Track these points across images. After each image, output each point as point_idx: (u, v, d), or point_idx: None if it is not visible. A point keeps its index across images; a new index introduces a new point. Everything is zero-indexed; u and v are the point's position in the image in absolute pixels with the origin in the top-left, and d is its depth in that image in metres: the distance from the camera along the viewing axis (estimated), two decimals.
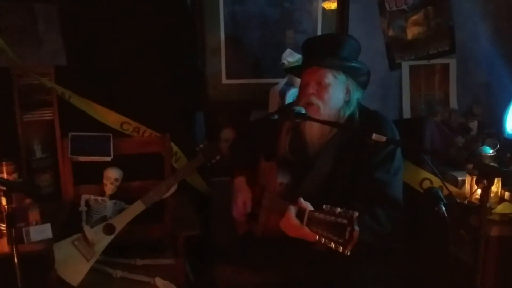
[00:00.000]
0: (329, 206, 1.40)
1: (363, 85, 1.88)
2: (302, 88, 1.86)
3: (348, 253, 1.30)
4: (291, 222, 1.52)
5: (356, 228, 1.29)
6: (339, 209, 1.36)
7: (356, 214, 1.31)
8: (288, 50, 2.46)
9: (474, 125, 2.51)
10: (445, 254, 2.07)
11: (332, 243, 1.33)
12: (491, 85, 2.76)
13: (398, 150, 1.78)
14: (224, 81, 2.69)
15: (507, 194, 1.94)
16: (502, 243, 1.84)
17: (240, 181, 1.98)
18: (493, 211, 1.86)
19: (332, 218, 1.36)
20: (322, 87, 1.78)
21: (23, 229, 1.86)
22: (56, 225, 1.99)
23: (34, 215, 1.92)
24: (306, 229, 1.47)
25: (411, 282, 2.03)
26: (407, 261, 1.98)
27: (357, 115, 1.81)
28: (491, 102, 2.70)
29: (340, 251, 1.31)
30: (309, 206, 1.52)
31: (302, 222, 1.49)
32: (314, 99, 1.78)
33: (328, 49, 1.82)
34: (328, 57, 1.80)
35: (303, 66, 1.90)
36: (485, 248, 1.65)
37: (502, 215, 1.86)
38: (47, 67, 2.41)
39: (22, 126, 2.39)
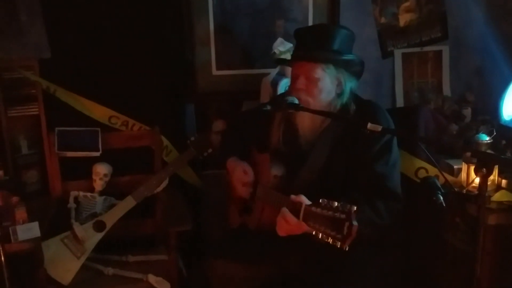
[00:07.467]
0: (326, 200, 1.36)
1: (357, 75, 1.83)
2: (292, 80, 1.81)
3: (347, 248, 1.26)
4: (288, 220, 1.49)
5: (355, 223, 1.26)
6: (336, 203, 1.32)
7: (354, 208, 1.27)
8: (279, 39, 2.41)
9: (467, 112, 2.48)
10: (441, 242, 2.06)
11: (330, 238, 1.30)
12: (483, 71, 2.74)
13: (395, 141, 1.74)
14: (215, 72, 2.64)
15: (504, 181, 1.92)
16: (499, 231, 1.83)
17: (232, 160, 1.92)
18: (491, 199, 1.84)
19: (330, 212, 1.32)
20: (311, 82, 1.73)
21: (10, 228, 1.81)
22: (44, 223, 1.95)
23: (20, 213, 1.87)
24: (303, 225, 1.44)
25: (407, 271, 2.02)
26: (403, 251, 1.96)
27: (353, 105, 1.77)
28: (484, 89, 2.67)
29: (338, 246, 1.27)
30: (305, 201, 1.48)
31: (298, 217, 1.46)
32: (303, 96, 1.72)
33: (317, 42, 1.75)
34: (317, 50, 1.73)
35: (293, 57, 1.85)
36: (482, 237, 1.63)
37: (499, 203, 1.84)
38: (30, 60, 2.34)
39: (7, 121, 2.34)
